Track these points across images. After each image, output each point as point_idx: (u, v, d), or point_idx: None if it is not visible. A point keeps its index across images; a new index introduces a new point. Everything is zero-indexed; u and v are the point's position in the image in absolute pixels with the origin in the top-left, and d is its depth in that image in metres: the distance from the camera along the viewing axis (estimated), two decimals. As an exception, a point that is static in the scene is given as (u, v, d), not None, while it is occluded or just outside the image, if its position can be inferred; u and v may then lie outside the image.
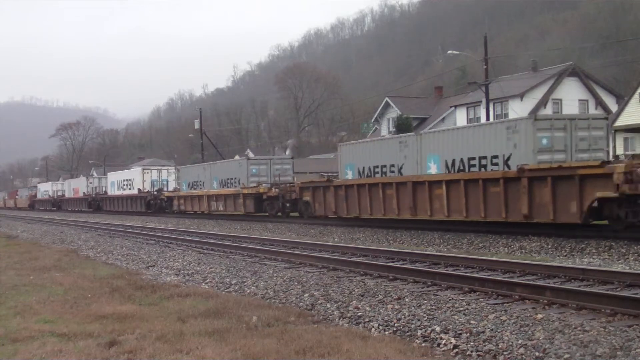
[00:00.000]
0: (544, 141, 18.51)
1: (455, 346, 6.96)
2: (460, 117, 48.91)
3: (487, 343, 6.93)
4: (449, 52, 51.89)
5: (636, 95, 36.59)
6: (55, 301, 10.25)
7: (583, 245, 15.05)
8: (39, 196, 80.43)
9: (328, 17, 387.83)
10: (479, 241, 17.46)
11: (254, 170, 35.26)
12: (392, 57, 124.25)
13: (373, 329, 8.00)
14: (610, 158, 17.74)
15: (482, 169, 19.90)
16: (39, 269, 14.80)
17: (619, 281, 9.90)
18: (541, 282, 10.14)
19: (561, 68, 47.16)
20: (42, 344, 7.35)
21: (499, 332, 7.25)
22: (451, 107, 51.70)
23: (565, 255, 14.42)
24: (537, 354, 6.44)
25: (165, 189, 47.71)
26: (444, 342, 7.14)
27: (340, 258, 14.22)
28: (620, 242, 14.82)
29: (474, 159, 20.37)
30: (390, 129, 53.89)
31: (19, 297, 10.79)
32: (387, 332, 7.82)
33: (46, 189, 78.01)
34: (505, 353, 6.59)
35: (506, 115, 44.39)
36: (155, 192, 46.67)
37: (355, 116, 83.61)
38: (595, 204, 15.91)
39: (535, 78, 46.34)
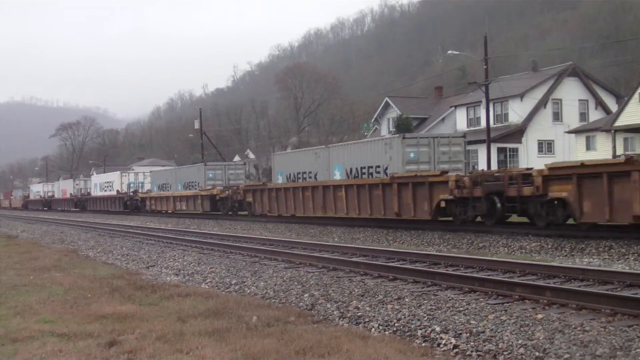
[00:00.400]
0: (411, 155, 23.28)
1: (455, 346, 6.96)
2: (460, 117, 48.91)
3: (487, 343, 6.93)
4: (449, 52, 51.87)
5: (636, 95, 36.59)
6: (55, 301, 10.25)
7: (583, 245, 15.05)
8: (31, 197, 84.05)
9: (328, 17, 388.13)
10: (479, 241, 17.46)
11: (210, 175, 40.09)
12: (392, 57, 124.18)
13: (373, 329, 8.00)
14: (475, 168, 21.98)
15: (370, 176, 24.57)
16: (39, 269, 14.81)
17: (619, 281, 9.90)
18: (541, 282, 10.15)
19: (561, 68, 47.13)
20: (42, 344, 7.35)
21: (499, 332, 7.25)
22: (451, 107, 51.68)
23: (565, 255, 14.42)
24: (537, 354, 6.44)
25: (140, 190, 51.65)
26: (444, 342, 7.14)
27: (340, 258, 14.22)
28: (620, 242, 14.82)
29: (364, 168, 25.19)
30: (390, 129, 53.85)
31: (19, 297, 10.79)
32: (387, 332, 7.82)
33: (38, 190, 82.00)
34: (505, 353, 6.59)
35: (506, 115, 44.40)
36: (131, 194, 50.91)
37: (355, 116, 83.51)
38: (443, 204, 20.39)
39: (535, 78, 46.31)
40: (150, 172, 54.37)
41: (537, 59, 53.15)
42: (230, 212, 35.65)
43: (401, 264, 12.94)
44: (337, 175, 26.74)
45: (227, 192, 35.90)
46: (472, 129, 46.63)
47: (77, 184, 67.68)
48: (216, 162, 45.80)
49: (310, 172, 28.78)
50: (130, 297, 10.48)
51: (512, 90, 43.64)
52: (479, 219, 19.72)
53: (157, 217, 42.29)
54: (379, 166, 24.30)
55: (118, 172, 57.56)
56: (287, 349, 6.84)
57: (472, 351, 6.76)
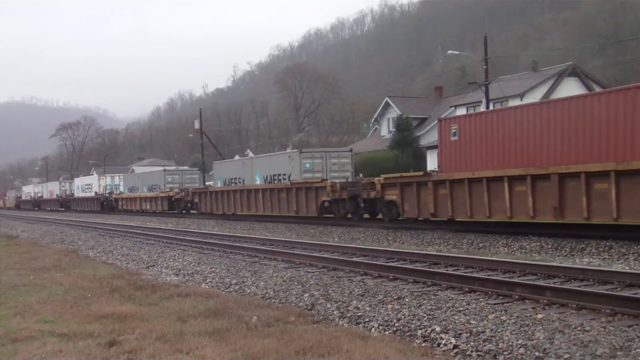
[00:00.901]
0: (307, 165, 29.64)
1: (455, 346, 6.95)
2: (460, 117, 48.86)
3: (487, 343, 6.93)
4: (449, 52, 51.82)
5: (636, 95, 36.47)
6: (55, 301, 10.25)
7: (583, 245, 15.05)
8: (23, 197, 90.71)
9: (328, 17, 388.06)
10: (479, 241, 17.46)
11: (169, 179, 47.39)
12: (392, 57, 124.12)
13: (373, 329, 8.00)
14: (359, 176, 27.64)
15: (279, 182, 30.97)
16: (39, 269, 14.80)
17: (619, 281, 9.90)
18: (541, 282, 10.15)
19: (561, 68, 47.09)
20: (42, 344, 7.34)
21: (499, 332, 7.25)
22: (451, 107, 51.66)
23: (565, 255, 14.42)
24: (537, 354, 6.44)
25: (115, 192, 58.05)
26: (444, 342, 7.13)
27: (340, 258, 14.22)
28: (620, 242, 14.83)
29: (276, 175, 31.70)
30: (390, 129, 53.87)
31: (19, 297, 10.79)
32: (387, 332, 7.82)
33: (29, 191, 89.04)
34: (505, 353, 6.59)
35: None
36: (107, 195, 57.59)
37: (355, 116, 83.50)
38: (327, 204, 26.57)
39: (535, 78, 46.28)
40: (123, 175, 62.35)
41: (537, 59, 53.10)
42: (183, 211, 42.29)
43: (401, 264, 12.94)
44: (258, 181, 33.34)
45: (181, 194, 42.13)
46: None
47: (62, 186, 73.88)
48: (174, 168, 53.63)
49: (239, 178, 35.60)
50: (130, 297, 10.48)
51: (512, 90, 43.60)
52: (349, 215, 25.83)
53: (157, 217, 42.41)
54: (285, 174, 30.72)
55: (96, 176, 65.89)
56: (287, 349, 6.84)
57: (472, 351, 6.75)
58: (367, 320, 8.40)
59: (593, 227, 16.62)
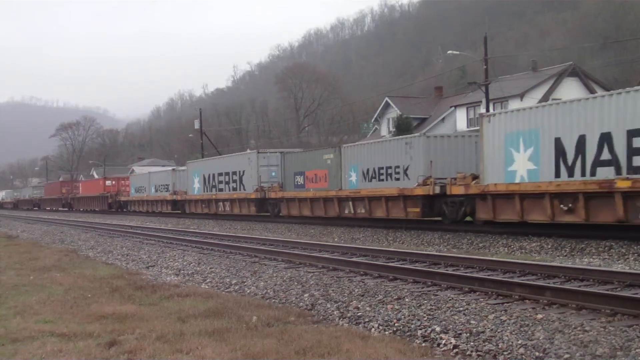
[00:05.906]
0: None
1: (455, 346, 6.95)
2: (460, 117, 48.90)
3: (487, 343, 6.93)
4: (449, 52, 51.77)
5: (636, 95, 36.44)
6: (55, 301, 10.25)
7: (583, 245, 15.06)
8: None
9: (328, 17, 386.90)
10: (479, 241, 17.45)
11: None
12: (392, 57, 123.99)
13: (373, 329, 8.00)
14: None
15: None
16: (39, 269, 14.80)
17: (619, 281, 9.90)
18: (541, 282, 10.15)
19: (561, 68, 47.10)
20: (42, 344, 7.34)
21: (499, 332, 7.25)
22: (451, 107, 51.68)
23: (565, 255, 14.42)
24: (537, 354, 6.44)
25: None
26: (444, 342, 7.13)
27: (340, 258, 14.22)
28: (620, 242, 14.84)
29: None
30: (390, 129, 53.87)
31: (19, 297, 10.79)
32: (387, 332, 7.82)
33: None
34: (505, 353, 6.59)
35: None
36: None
37: (355, 116, 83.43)
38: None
39: (535, 78, 46.30)
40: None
41: (537, 59, 53.10)
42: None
43: (401, 264, 12.94)
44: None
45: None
46: (472, 129, 46.60)
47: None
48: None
49: (167, 185, 45.19)
50: (130, 297, 10.48)
51: (512, 90, 43.62)
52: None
53: (157, 217, 42.47)
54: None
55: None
56: (287, 349, 6.83)
57: (472, 351, 6.75)
58: (367, 320, 8.40)
59: (593, 227, 16.62)
